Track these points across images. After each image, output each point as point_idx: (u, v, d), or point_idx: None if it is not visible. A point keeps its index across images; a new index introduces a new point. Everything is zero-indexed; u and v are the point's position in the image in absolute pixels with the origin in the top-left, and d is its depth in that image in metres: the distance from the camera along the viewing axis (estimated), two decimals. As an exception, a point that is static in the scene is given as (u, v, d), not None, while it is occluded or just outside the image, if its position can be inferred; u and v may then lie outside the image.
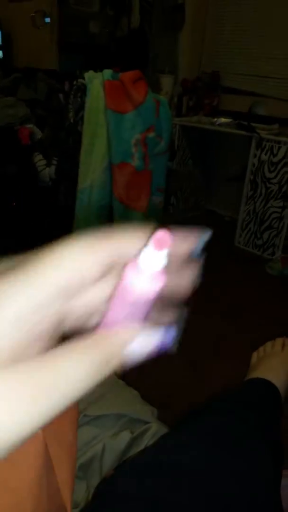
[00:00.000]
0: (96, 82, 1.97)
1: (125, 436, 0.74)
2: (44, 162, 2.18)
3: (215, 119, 2.89)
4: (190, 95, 3.15)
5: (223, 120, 2.88)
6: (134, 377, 0.94)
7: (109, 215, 2.17)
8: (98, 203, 2.11)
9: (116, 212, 2.13)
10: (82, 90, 1.99)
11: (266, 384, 0.69)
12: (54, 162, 2.16)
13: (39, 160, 2.18)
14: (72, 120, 2.00)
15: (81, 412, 0.75)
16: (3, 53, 3.41)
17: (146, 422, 0.79)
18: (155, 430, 0.76)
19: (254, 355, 0.82)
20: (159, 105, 2.06)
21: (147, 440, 0.74)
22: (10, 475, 0.49)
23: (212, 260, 2.40)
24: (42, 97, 2.39)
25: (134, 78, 2.00)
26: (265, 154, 2.62)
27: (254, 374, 0.75)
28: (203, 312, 2.17)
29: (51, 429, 0.56)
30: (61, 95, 2.02)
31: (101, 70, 2.06)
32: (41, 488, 0.50)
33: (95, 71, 2.05)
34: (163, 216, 2.46)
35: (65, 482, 0.57)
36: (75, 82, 1.97)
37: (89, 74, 2.01)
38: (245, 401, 0.60)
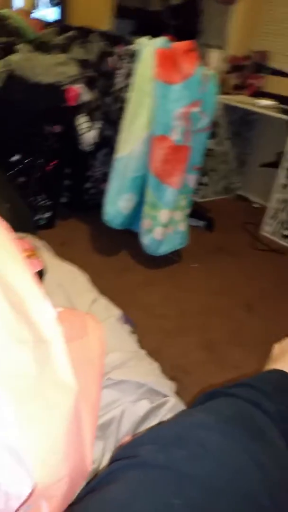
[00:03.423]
0: (148, 49, 1.94)
1: (145, 405, 0.77)
2: (87, 125, 2.17)
3: (258, 101, 2.82)
4: (236, 73, 3.07)
5: (266, 102, 2.81)
6: (148, 353, 0.96)
7: (142, 188, 2.17)
8: (133, 173, 2.11)
9: (149, 185, 2.13)
10: (133, 56, 1.96)
11: None
12: (97, 126, 2.15)
13: (83, 122, 2.17)
14: (119, 86, 1.98)
15: (105, 375, 0.78)
16: (60, 10, 3.37)
17: (165, 395, 0.81)
18: (172, 404, 0.79)
19: (276, 347, 0.79)
20: (208, 80, 2.02)
21: (164, 413, 0.77)
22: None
23: (236, 247, 2.43)
24: (94, 58, 2.36)
25: (186, 49, 1.96)
26: (306, 143, 2.56)
27: (275, 366, 0.72)
28: (224, 298, 2.19)
29: (79, 386, 0.59)
30: (112, 59, 1.99)
31: (152, 37, 2.02)
32: (71, 435, 0.54)
33: (148, 38, 2.01)
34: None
35: (87, 436, 0.60)
36: (127, 47, 1.95)
37: (142, 40, 1.98)
38: (267, 392, 0.59)
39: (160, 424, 0.63)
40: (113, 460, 0.51)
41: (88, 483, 0.63)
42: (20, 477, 0.48)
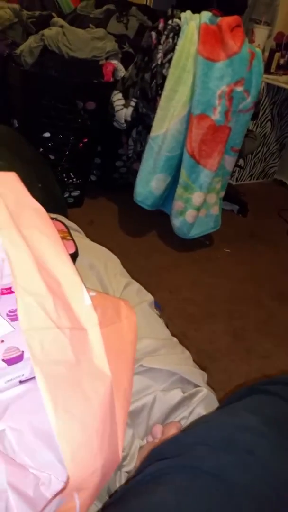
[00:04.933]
0: (192, 24, 1.86)
1: (177, 394, 0.76)
2: (122, 102, 2.12)
3: (305, 83, 2.68)
4: (283, 51, 2.91)
5: (313, 85, 2.67)
6: (176, 337, 0.95)
7: (176, 169, 2.12)
8: (168, 153, 2.05)
9: (184, 166, 2.07)
10: (176, 31, 1.89)
11: None
12: (133, 103, 2.10)
13: (118, 99, 2.12)
14: (159, 62, 1.92)
15: (137, 362, 0.77)
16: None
17: (196, 385, 0.80)
18: (204, 395, 0.77)
19: None
20: (253, 58, 1.92)
21: (196, 403, 0.76)
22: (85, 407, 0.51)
23: (270, 234, 2.34)
24: (132, 33, 2.29)
25: (233, 25, 1.87)
26: None
27: None
28: (255, 286, 2.14)
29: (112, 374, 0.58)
30: (153, 34, 1.92)
31: (196, 12, 1.93)
32: (105, 425, 0.53)
33: (192, 12, 1.92)
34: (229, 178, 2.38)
35: (120, 425, 0.60)
36: (170, 22, 1.87)
37: (186, 15, 1.89)
38: None
39: (203, 422, 0.61)
40: (156, 456, 0.50)
41: (126, 481, 0.62)
42: (51, 464, 0.48)
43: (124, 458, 0.68)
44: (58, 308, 0.51)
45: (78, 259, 0.87)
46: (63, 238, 0.85)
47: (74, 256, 0.84)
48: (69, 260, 0.54)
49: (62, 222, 0.94)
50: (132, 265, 1.17)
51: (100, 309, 0.65)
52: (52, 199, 1.55)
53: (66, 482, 0.45)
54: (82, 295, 0.54)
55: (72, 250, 0.84)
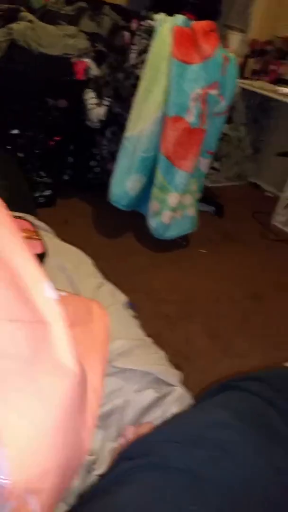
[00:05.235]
0: (166, 26, 1.86)
1: (150, 394, 0.75)
2: (95, 101, 2.10)
3: (279, 88, 2.74)
4: (257, 58, 2.96)
5: (287, 90, 2.73)
6: (152, 338, 0.94)
7: (151, 169, 2.11)
8: (143, 154, 2.05)
9: (160, 167, 2.07)
10: (149, 32, 1.89)
11: None
12: (106, 103, 2.09)
13: (90, 98, 2.10)
14: (133, 62, 1.91)
15: (109, 363, 0.75)
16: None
17: (170, 385, 0.79)
18: (179, 395, 0.77)
19: None
20: (227, 63, 1.94)
21: (169, 403, 0.75)
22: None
23: (245, 236, 2.37)
24: (105, 32, 2.27)
25: (207, 29, 1.88)
26: None
27: None
28: (231, 286, 2.15)
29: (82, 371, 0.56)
30: (126, 34, 1.91)
31: (170, 14, 1.94)
32: (65, 422, 0.50)
33: (165, 14, 1.93)
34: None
35: (87, 424, 0.58)
36: (143, 22, 1.87)
37: (160, 17, 1.89)
38: (280, 388, 0.56)
39: (174, 419, 0.60)
40: (122, 457, 0.49)
41: (93, 485, 0.61)
42: None
43: (95, 461, 0.67)
44: (17, 300, 0.49)
45: (47, 260, 0.84)
46: (30, 237, 0.82)
47: (42, 256, 0.82)
48: (29, 252, 0.51)
49: (30, 221, 0.91)
50: (107, 266, 1.16)
51: (72, 309, 0.63)
52: (20, 198, 1.51)
53: (7, 485, 0.41)
54: (43, 287, 0.52)
55: (40, 250, 0.81)
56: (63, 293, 0.68)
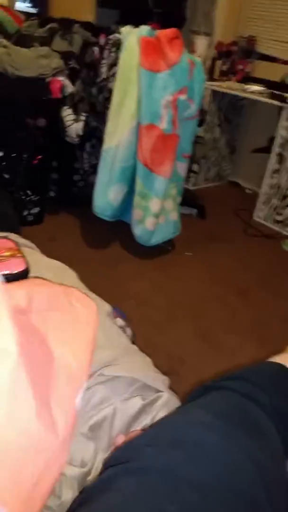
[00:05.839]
0: (132, 37, 1.91)
1: (137, 402, 0.75)
2: (72, 117, 2.15)
3: (247, 86, 2.81)
4: (224, 59, 3.04)
5: (255, 87, 2.79)
6: (143, 345, 0.96)
7: (131, 178, 2.15)
8: (121, 164, 2.09)
9: (139, 175, 2.11)
10: (117, 45, 1.94)
11: None
12: (83, 118, 2.13)
13: (67, 114, 2.15)
14: (104, 76, 1.96)
15: (96, 371, 0.76)
16: (40, 2, 3.29)
17: (158, 390, 0.79)
18: (166, 400, 0.77)
19: None
20: (194, 67, 2.00)
21: (157, 409, 0.75)
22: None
23: (229, 234, 2.42)
24: (77, 50, 2.32)
25: (171, 36, 1.94)
26: (296, 128, 2.55)
27: (275, 359, 0.70)
28: (218, 286, 2.19)
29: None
30: (95, 49, 1.96)
31: (137, 26, 1.99)
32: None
33: (132, 26, 1.98)
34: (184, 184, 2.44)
35: (58, 403, 0.52)
36: (110, 37, 1.92)
37: (125, 29, 1.95)
38: (261, 384, 0.56)
39: (156, 423, 0.61)
40: (107, 465, 0.49)
41: (81, 491, 0.61)
42: None
43: (88, 473, 0.67)
44: None
45: (31, 276, 0.87)
46: (12, 256, 0.85)
47: (25, 273, 0.84)
48: None
49: (12, 240, 0.94)
50: (97, 277, 1.18)
51: (49, 293, 0.62)
52: (3, 218, 1.53)
53: None
54: None
55: (23, 267, 0.84)
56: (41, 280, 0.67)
